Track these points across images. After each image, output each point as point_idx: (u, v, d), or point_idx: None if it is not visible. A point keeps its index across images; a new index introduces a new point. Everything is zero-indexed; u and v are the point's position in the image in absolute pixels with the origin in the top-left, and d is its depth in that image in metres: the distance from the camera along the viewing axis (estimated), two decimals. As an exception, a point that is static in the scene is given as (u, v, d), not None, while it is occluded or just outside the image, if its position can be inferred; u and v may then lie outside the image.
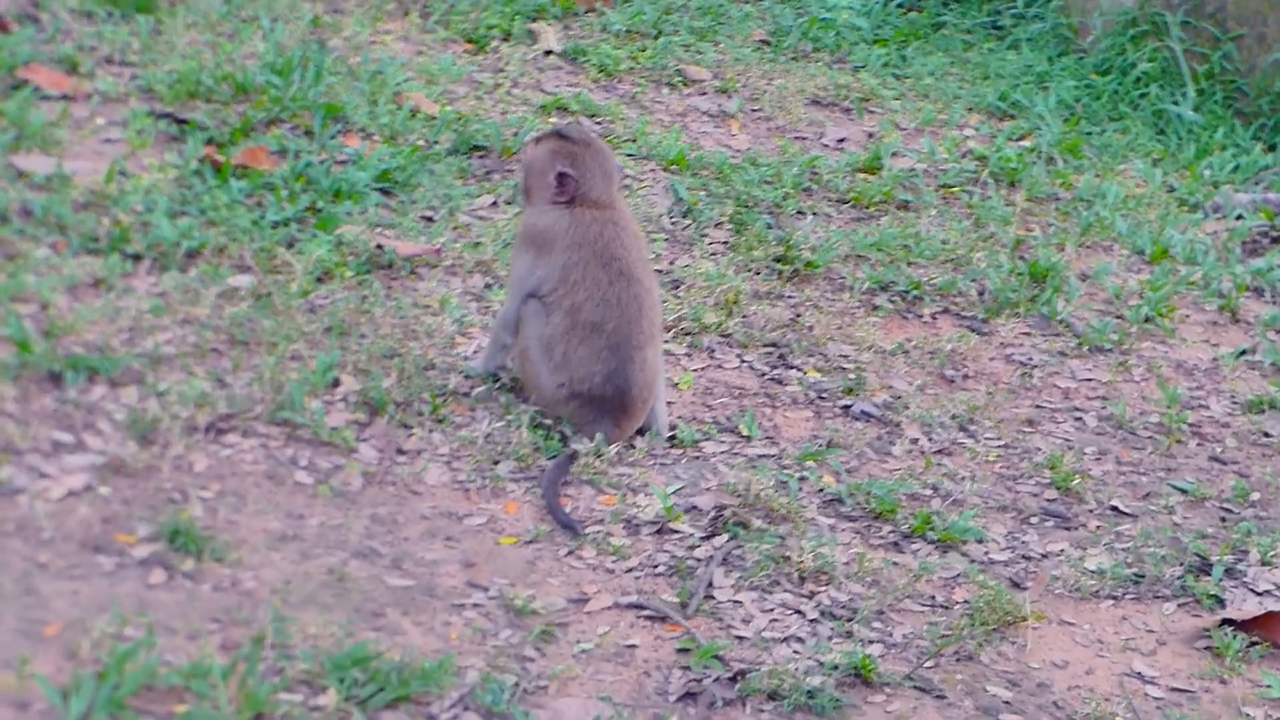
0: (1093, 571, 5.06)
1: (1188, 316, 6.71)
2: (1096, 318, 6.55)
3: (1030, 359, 6.24)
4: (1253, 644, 4.82)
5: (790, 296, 6.31)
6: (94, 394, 4.86)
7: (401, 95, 6.94)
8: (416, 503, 4.82)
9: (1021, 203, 7.32)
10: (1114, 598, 4.99)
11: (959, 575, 4.95)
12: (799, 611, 4.68)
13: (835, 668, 4.43)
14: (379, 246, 5.85)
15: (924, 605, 4.81)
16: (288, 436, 4.92)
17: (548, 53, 7.83)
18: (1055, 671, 4.67)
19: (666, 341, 5.75)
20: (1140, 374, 6.27)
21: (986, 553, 5.10)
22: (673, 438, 5.35)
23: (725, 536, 4.88)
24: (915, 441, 5.62)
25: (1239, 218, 7.48)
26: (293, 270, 5.61)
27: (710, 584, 4.69)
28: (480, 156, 6.77)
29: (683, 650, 4.45)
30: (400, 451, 5.00)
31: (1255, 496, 5.59)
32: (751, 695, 4.31)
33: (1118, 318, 6.58)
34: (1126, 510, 5.43)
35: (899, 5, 9.15)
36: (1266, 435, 5.97)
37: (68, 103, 6.34)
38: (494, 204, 6.45)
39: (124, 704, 3.75)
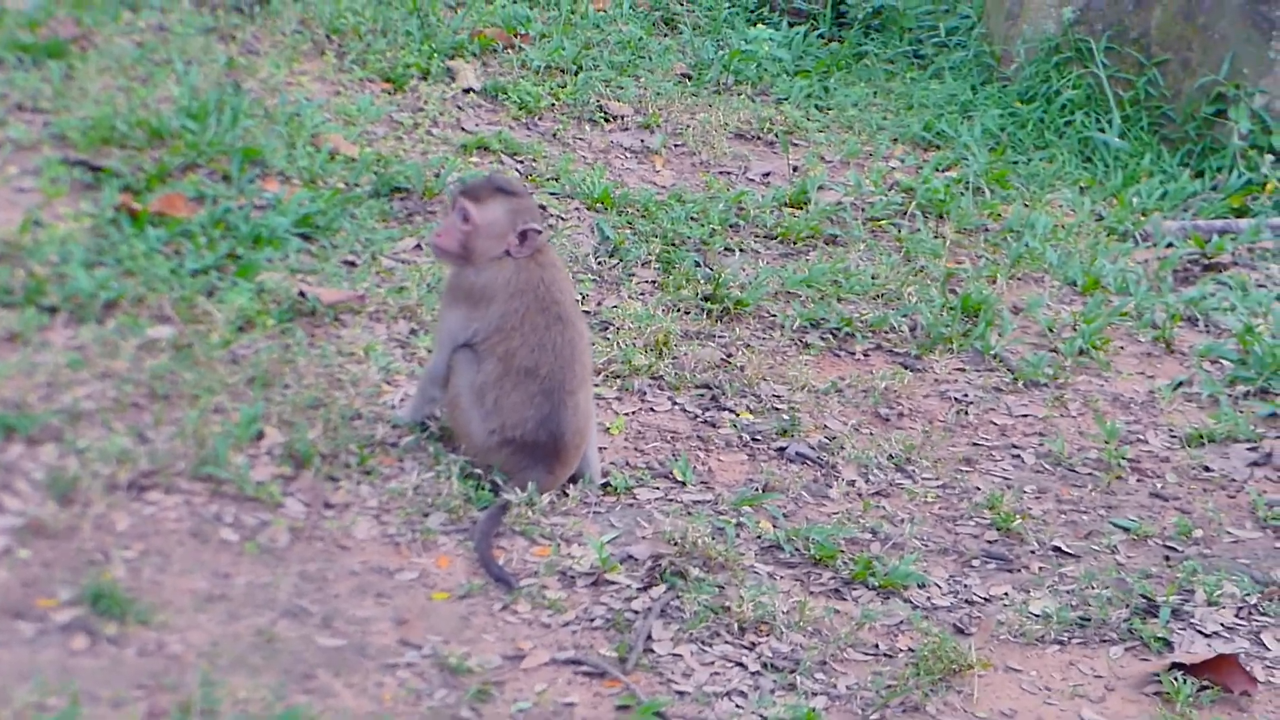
0: (1037, 615, 4.98)
1: (1122, 348, 6.66)
2: (1031, 351, 6.49)
3: (965, 395, 6.18)
4: (1203, 688, 4.73)
5: (721, 336, 6.22)
6: (11, 453, 4.72)
7: (320, 137, 6.82)
8: (346, 558, 4.70)
9: (950, 235, 7.27)
10: (1060, 642, 4.91)
11: (902, 622, 4.86)
12: (740, 664, 4.58)
13: (779, 722, 4.35)
14: (301, 294, 5.72)
15: (868, 654, 4.72)
16: (212, 492, 4.79)
17: (467, 90, 7.72)
18: (1003, 720, 4.60)
19: (597, 385, 5.65)
20: (1077, 408, 6.21)
21: (929, 598, 5.02)
22: (606, 484, 5.25)
23: (663, 587, 4.78)
24: (852, 483, 5.54)
25: (1169, 246, 7.44)
26: (213, 320, 5.48)
27: (649, 637, 4.59)
28: (402, 198, 6.65)
29: (622, 707, 4.35)
30: (328, 505, 4.87)
31: (1198, 534, 5.52)
32: (695, 752, 4.22)
33: (1052, 351, 6.52)
34: (1069, 550, 5.36)
35: (820, 36, 9.11)
36: (1207, 470, 5.90)
37: (-22, 151, 6.19)
38: (417, 246, 6.33)
39: (47, 781, 3.63)
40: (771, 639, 4.68)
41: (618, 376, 5.81)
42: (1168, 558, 5.39)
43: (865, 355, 6.34)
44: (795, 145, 7.97)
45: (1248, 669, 4.81)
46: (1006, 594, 5.09)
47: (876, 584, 5.00)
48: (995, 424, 6.04)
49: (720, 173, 7.59)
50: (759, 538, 5.13)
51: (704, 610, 4.69)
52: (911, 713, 4.52)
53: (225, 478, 4.81)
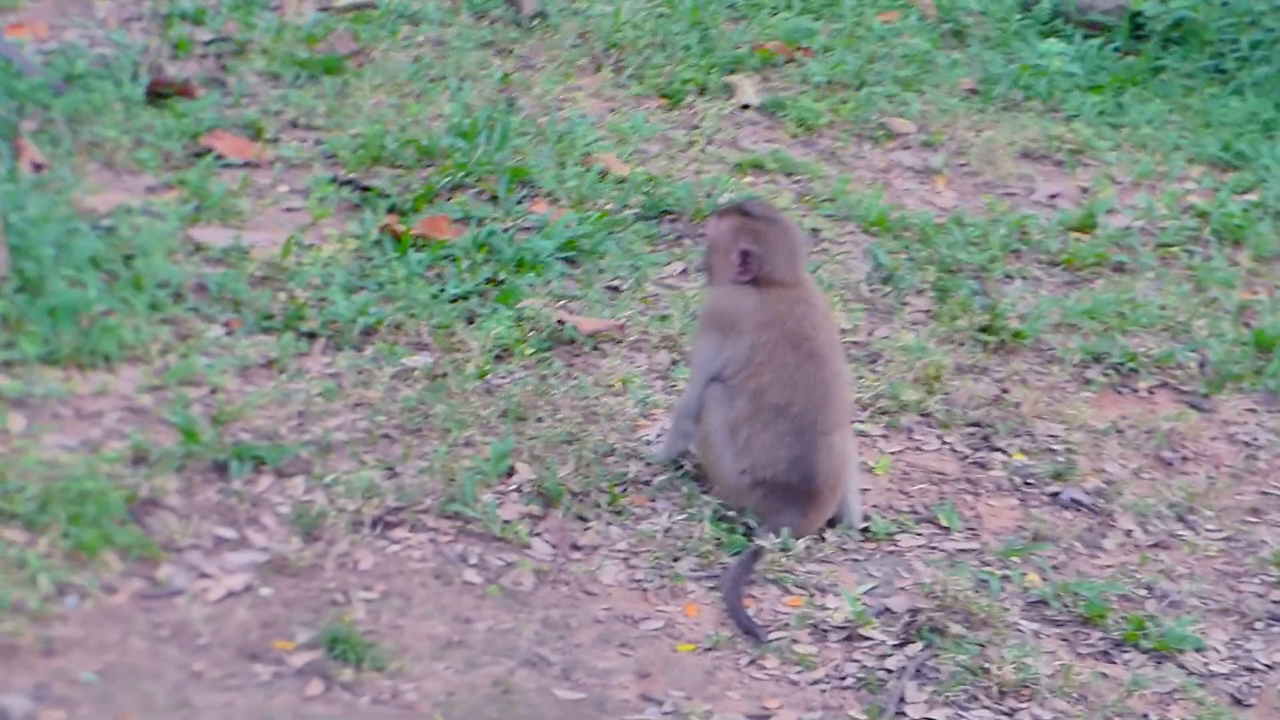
0: (1326, 687, 4.66)
1: None
2: (1329, 393, 6.10)
3: (1255, 439, 5.82)
4: None
5: (996, 370, 5.95)
6: (259, 485, 4.68)
7: (591, 156, 6.71)
8: (590, 604, 4.56)
9: (1246, 263, 6.87)
10: (1350, 718, 4.58)
11: (1175, 690, 4.56)
12: (999, 731, 4.35)
13: (1038, 797, 4.10)
14: (560, 322, 5.61)
15: (1136, 726, 4.45)
16: (458, 531, 4.69)
17: (745, 107, 7.54)
18: (1282, 801, 4.28)
19: (862, 421, 5.44)
20: (1378, 457, 5.82)
21: (1206, 663, 4.71)
22: (866, 530, 5.04)
23: (920, 644, 4.55)
24: (1129, 534, 5.24)
25: None
26: (470, 348, 5.40)
27: (902, 699, 4.37)
28: (671, 220, 6.51)
29: (871, 775, 4.15)
30: (575, 547, 4.74)
31: None
32: (945, 828, 4.00)
33: (1354, 392, 6.12)
34: (1364, 615, 5.00)
35: (1115, 49, 8.71)
36: None
37: (250, 170, 6.21)
38: (683, 271, 6.18)
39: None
40: (1034, 705, 4.42)
41: (884, 413, 5.58)
42: None
43: (1149, 393, 6.01)
44: (1085, 165, 7.63)
45: None
46: (1291, 662, 4.77)
47: (1149, 646, 4.70)
48: (1287, 472, 5.70)
49: (1004, 194, 7.29)
50: (1025, 591, 4.86)
51: (962, 671, 4.46)
52: (1180, 795, 4.25)
53: (472, 516, 4.71)
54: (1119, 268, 6.78)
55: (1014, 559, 4.99)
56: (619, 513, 4.88)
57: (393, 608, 4.38)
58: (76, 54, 6.67)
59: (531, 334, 5.58)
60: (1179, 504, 5.39)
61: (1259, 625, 4.91)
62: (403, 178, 6.33)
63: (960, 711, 4.37)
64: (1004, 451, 5.53)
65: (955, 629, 4.59)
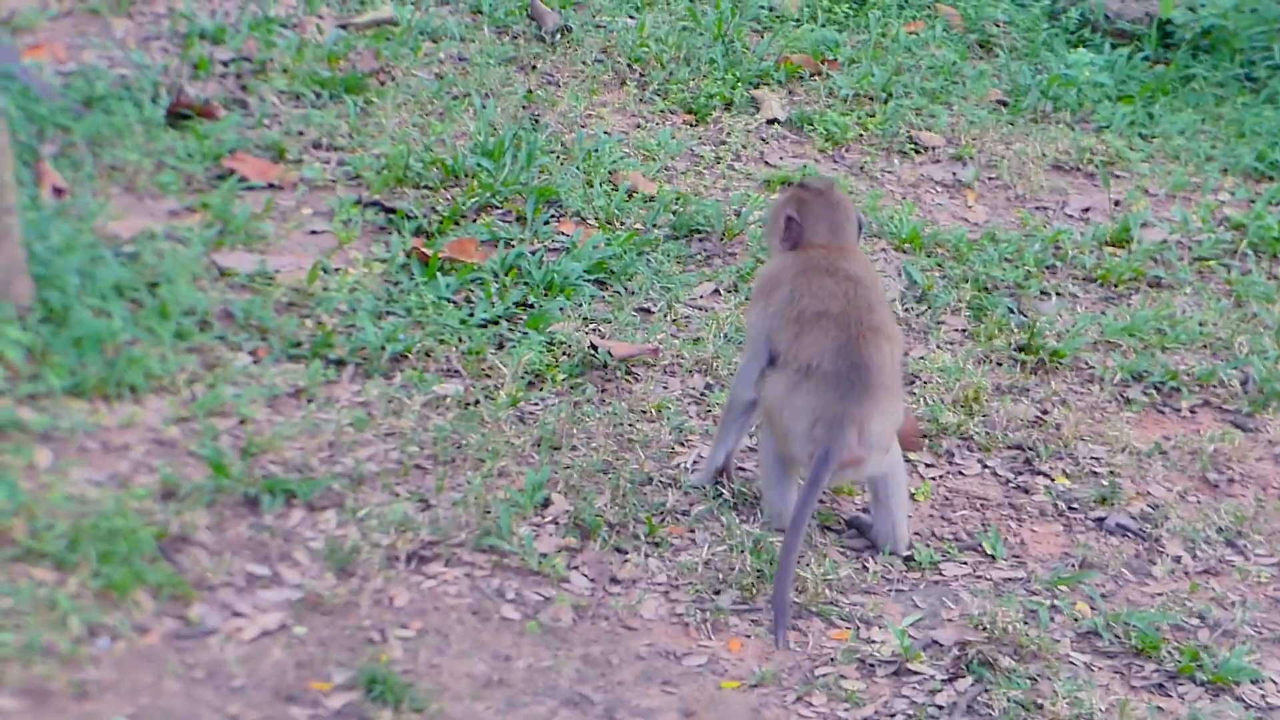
0: (1387, 720, 4.54)
1: None
2: (1375, 410, 5.98)
3: (1303, 459, 5.72)
4: None
5: (1035, 391, 5.83)
6: (291, 519, 4.58)
7: (618, 174, 6.60)
8: (631, 640, 4.45)
9: (1285, 277, 6.77)
10: None
11: (1234, 725, 4.46)
12: (1054, 770, 4.23)
13: (1096, 838, 3.99)
14: (593, 347, 5.50)
15: (1195, 762, 4.33)
16: (494, 565, 4.59)
17: (771, 121, 7.44)
18: (1346, 838, 4.17)
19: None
20: None
21: (1264, 696, 4.59)
22: (909, 558, 4.92)
23: (970, 679, 4.44)
24: (1178, 560, 5.12)
25: None
26: (502, 375, 5.29)
27: (954, 736, 4.26)
28: (701, 239, 6.40)
29: (924, 816, 4.04)
30: (614, 580, 4.64)
31: None
32: None
33: (1398, 409, 6.00)
34: None
35: (1144, 58, 8.59)
36: None
37: (274, 192, 6.10)
38: (715, 292, 6.08)
39: None
40: (1089, 741, 4.31)
41: (925, 436, 5.47)
42: None
43: (1192, 412, 5.90)
44: (1117, 177, 7.51)
45: None
46: (1352, 694, 4.65)
47: (1205, 679, 4.59)
48: (1337, 493, 5.58)
49: (1036, 208, 7.18)
50: (1075, 622, 4.75)
51: (1014, 707, 4.35)
52: (1244, 838, 4.13)
53: (509, 550, 4.61)
54: (1156, 283, 6.66)
55: (1062, 588, 4.88)
56: (658, 544, 4.78)
57: (430, 646, 4.27)
58: (96, 75, 6.57)
59: (563, 359, 5.48)
60: (1227, 528, 5.28)
61: (1315, 654, 4.80)
62: (428, 199, 6.23)
63: (1014, 749, 4.27)
64: (1046, 475, 5.42)
65: (1006, 662, 4.48)
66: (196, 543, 4.41)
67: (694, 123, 7.33)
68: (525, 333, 5.54)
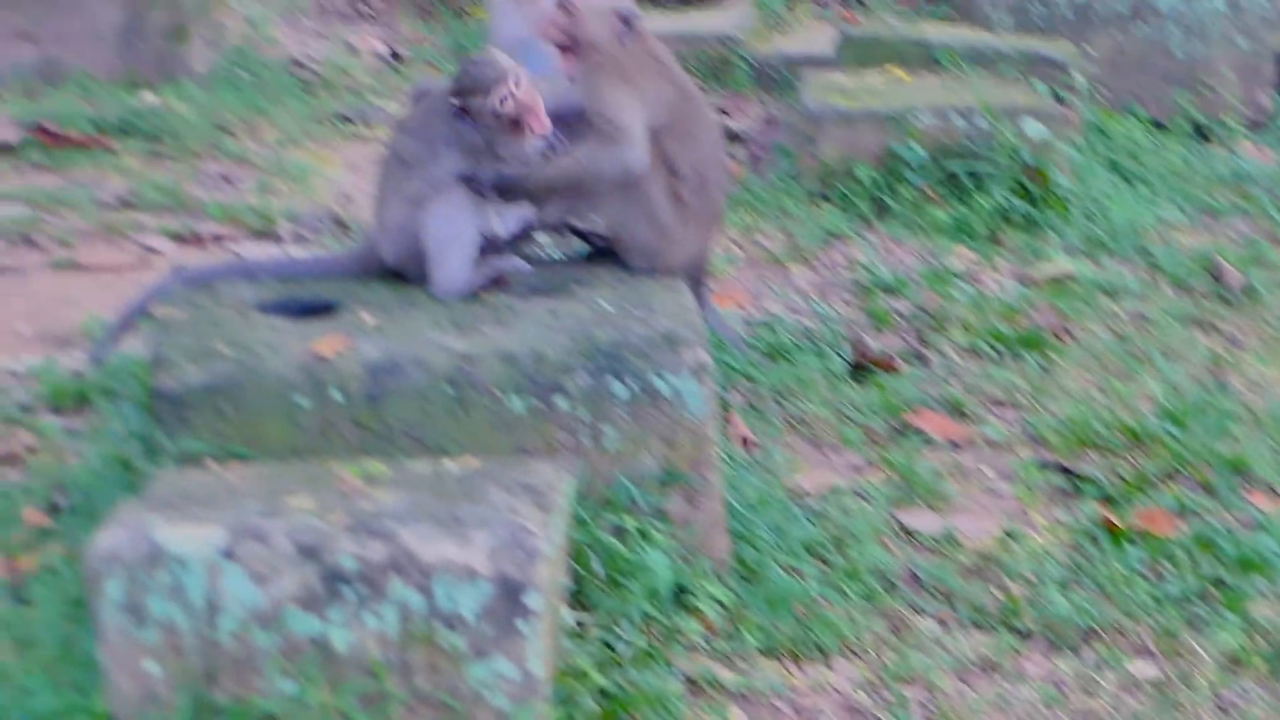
0: None
1: None
2: None
3: None
4: None
5: None
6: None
7: (1314, 443, 6.29)
8: None
9: None
10: None
11: None
12: None
13: None
14: (1295, 633, 5.20)
15: None
16: None
17: None
18: None
19: None
20: None
21: None
22: None
23: None
24: None
25: None
26: (1198, 658, 5.04)
27: None
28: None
29: None
30: None
31: None
32: None
33: None
34: None
35: None
36: None
37: (955, 450, 6.06)
38: None
39: None
40: None
41: None
42: None
43: None
44: None
45: None
46: None
47: None
48: None
49: None
50: None
51: None
52: None
53: None
54: None
55: None
56: None
57: None
58: (780, 326, 6.71)
59: (1262, 644, 5.18)
60: None
61: None
62: (1112, 463, 6.06)
63: None
64: None
65: None
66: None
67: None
68: (1220, 613, 5.28)
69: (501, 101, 5.06)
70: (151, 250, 7.03)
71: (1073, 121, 8.62)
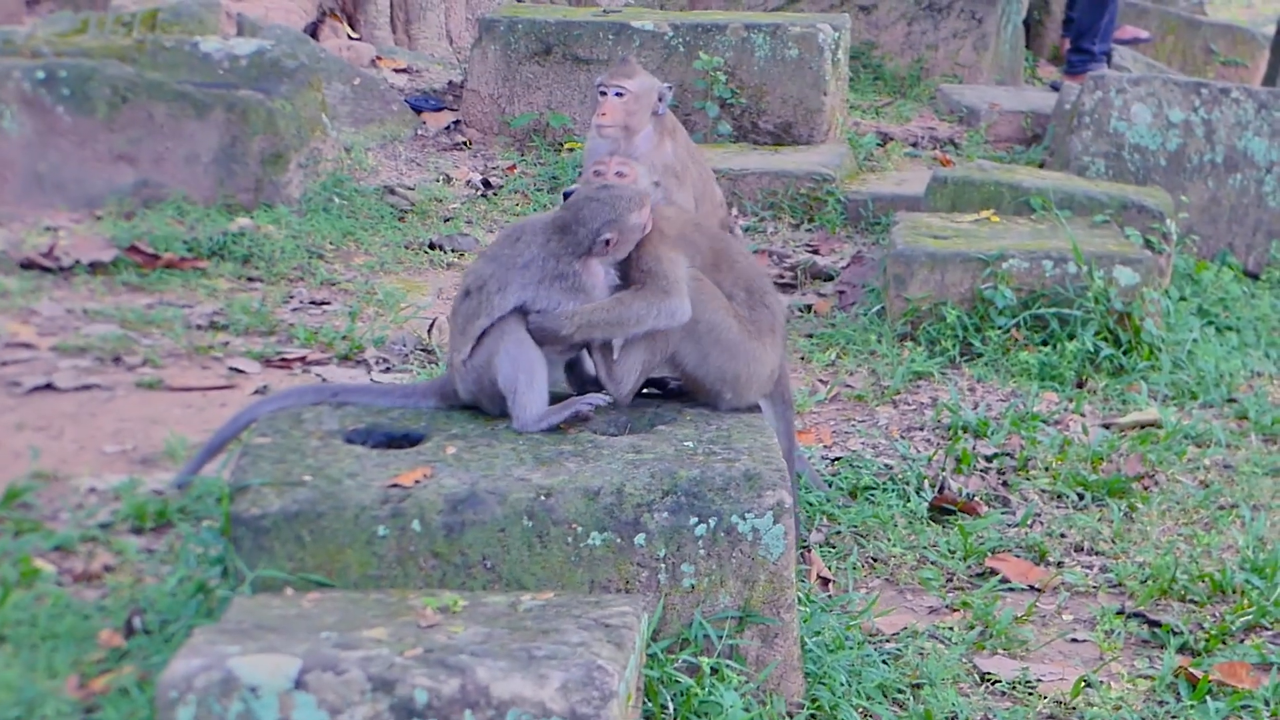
0: None
1: None
2: None
3: None
4: None
5: None
6: None
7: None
8: None
9: None
10: None
11: None
12: None
13: None
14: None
15: None
16: None
17: None
18: None
19: None
20: None
21: None
22: None
23: None
24: None
25: None
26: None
27: None
28: None
29: None
30: None
31: None
32: None
33: None
34: None
35: None
36: None
37: (1034, 595, 6.01)
38: None
39: None
40: None
41: None
42: None
43: None
44: None
45: None
46: None
47: None
48: None
49: None
50: None
51: None
52: None
53: None
54: None
55: None
56: None
57: None
58: (862, 464, 6.70)
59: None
60: None
61: None
62: (1194, 614, 5.99)
63: None
64: None
65: None
66: None
67: None
68: (1306, 773, 5.20)
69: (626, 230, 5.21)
70: (238, 372, 7.09)
71: (1164, 269, 8.61)
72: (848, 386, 7.61)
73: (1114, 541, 6.41)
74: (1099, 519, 6.55)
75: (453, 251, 9.08)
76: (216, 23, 10.93)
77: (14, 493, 5.80)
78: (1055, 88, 13.08)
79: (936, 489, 6.56)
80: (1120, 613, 5.93)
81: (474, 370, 5.17)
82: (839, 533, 6.22)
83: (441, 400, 5.31)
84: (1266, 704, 5.48)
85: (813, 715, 4.96)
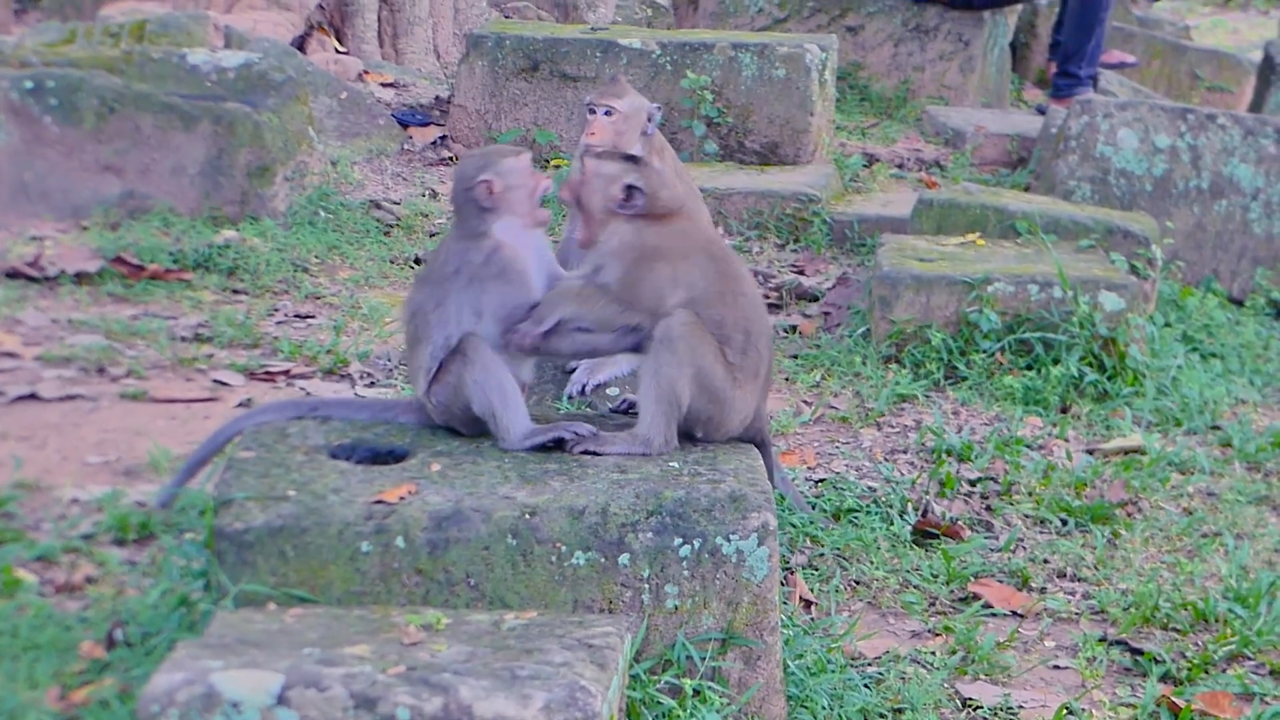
0: None
1: None
2: None
3: None
4: None
5: None
6: None
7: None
8: None
9: None
10: None
11: None
12: None
13: None
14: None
15: None
16: None
17: None
18: None
19: None
20: None
21: None
22: None
23: None
24: None
25: None
26: None
27: None
28: None
29: None
30: None
31: None
32: None
33: None
34: None
35: None
36: None
37: (1017, 621, 6.00)
38: None
39: None
40: None
41: None
42: None
43: None
44: None
45: None
46: None
47: None
48: None
49: None
50: None
51: None
52: None
53: None
54: None
55: None
56: None
57: None
58: (845, 486, 6.69)
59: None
60: None
61: None
62: (1176, 642, 5.99)
63: None
64: None
65: None
66: None
67: None
68: (1282, 801, 5.20)
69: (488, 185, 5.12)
70: (222, 385, 7.08)
71: (1149, 295, 8.63)
72: (832, 408, 7.60)
73: (1097, 568, 6.41)
74: (1082, 545, 6.55)
75: (438, 267, 9.05)
76: (204, 35, 10.91)
77: (-4, 502, 5.79)
78: (1041, 111, 13.11)
79: (920, 512, 6.56)
80: (1103, 640, 5.93)
81: (440, 402, 5.15)
82: (822, 555, 6.21)
83: (423, 415, 5.30)
84: (1248, 732, 5.49)
85: (795, 738, 4.95)
